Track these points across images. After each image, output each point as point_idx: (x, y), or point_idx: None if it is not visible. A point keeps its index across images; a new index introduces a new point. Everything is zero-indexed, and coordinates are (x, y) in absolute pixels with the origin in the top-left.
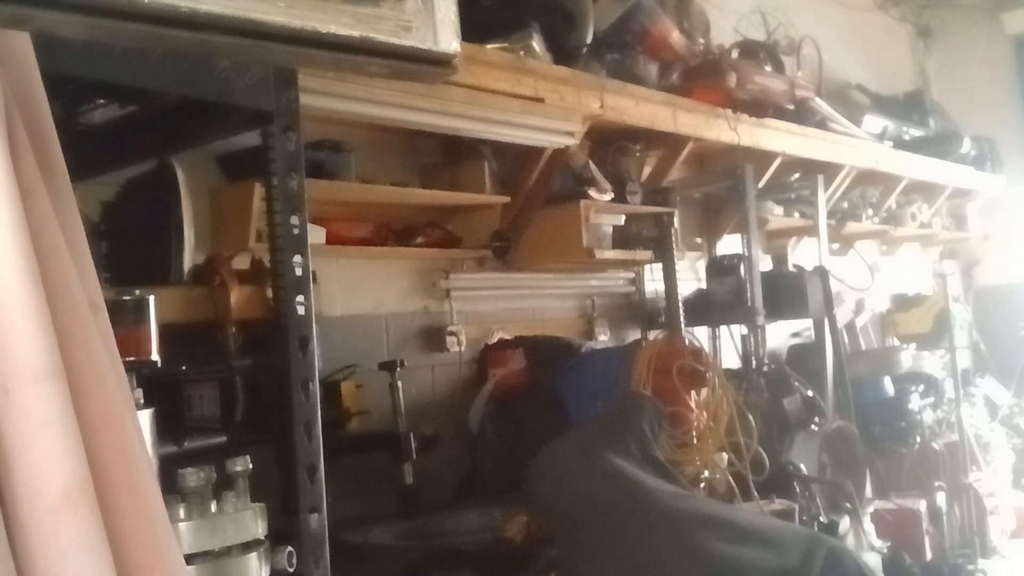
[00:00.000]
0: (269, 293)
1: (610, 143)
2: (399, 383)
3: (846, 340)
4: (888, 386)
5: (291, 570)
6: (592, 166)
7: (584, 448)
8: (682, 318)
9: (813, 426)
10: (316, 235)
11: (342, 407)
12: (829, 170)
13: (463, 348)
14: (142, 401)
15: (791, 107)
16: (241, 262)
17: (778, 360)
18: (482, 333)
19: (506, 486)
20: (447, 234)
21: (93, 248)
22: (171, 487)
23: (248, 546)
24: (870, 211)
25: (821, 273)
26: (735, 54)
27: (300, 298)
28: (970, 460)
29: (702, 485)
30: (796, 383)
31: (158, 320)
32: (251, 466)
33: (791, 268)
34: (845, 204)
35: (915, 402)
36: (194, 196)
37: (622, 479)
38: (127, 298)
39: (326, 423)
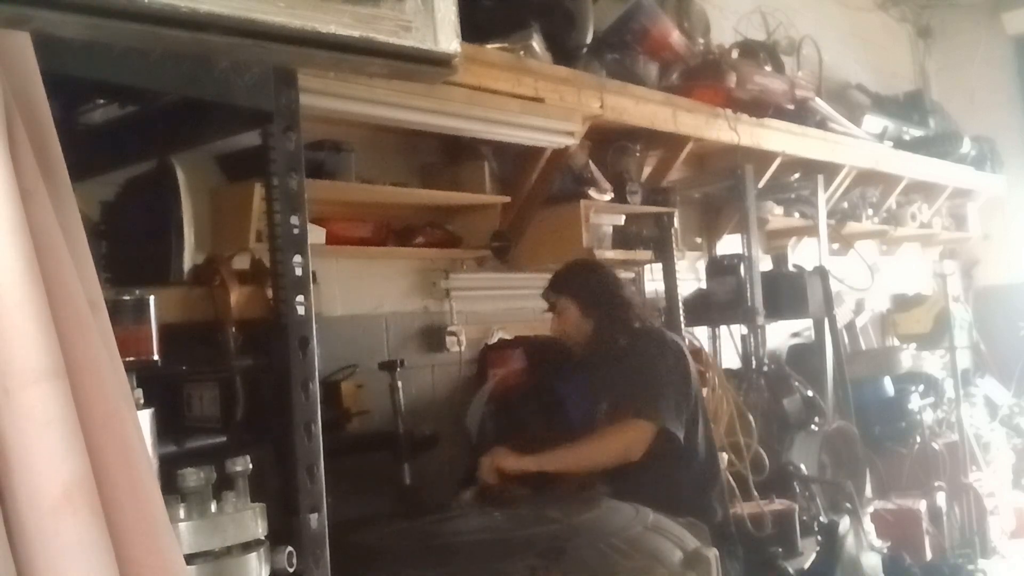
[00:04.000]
0: (269, 293)
1: (610, 143)
2: (399, 383)
3: (846, 340)
4: (888, 386)
5: (291, 570)
6: (592, 166)
7: None
8: (682, 318)
9: (813, 426)
10: (316, 235)
11: (342, 407)
12: (829, 170)
13: (463, 348)
14: (142, 401)
15: (791, 107)
16: (241, 262)
17: (778, 360)
18: (482, 333)
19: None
20: (447, 234)
21: (93, 248)
22: (171, 487)
23: (248, 546)
24: (870, 211)
25: (821, 273)
26: (735, 54)
27: (300, 298)
28: (970, 460)
29: None
30: (796, 383)
31: (158, 320)
32: (251, 466)
33: (791, 268)
34: (845, 204)
35: (915, 402)
36: (194, 196)
37: None
38: (127, 298)
39: (326, 423)
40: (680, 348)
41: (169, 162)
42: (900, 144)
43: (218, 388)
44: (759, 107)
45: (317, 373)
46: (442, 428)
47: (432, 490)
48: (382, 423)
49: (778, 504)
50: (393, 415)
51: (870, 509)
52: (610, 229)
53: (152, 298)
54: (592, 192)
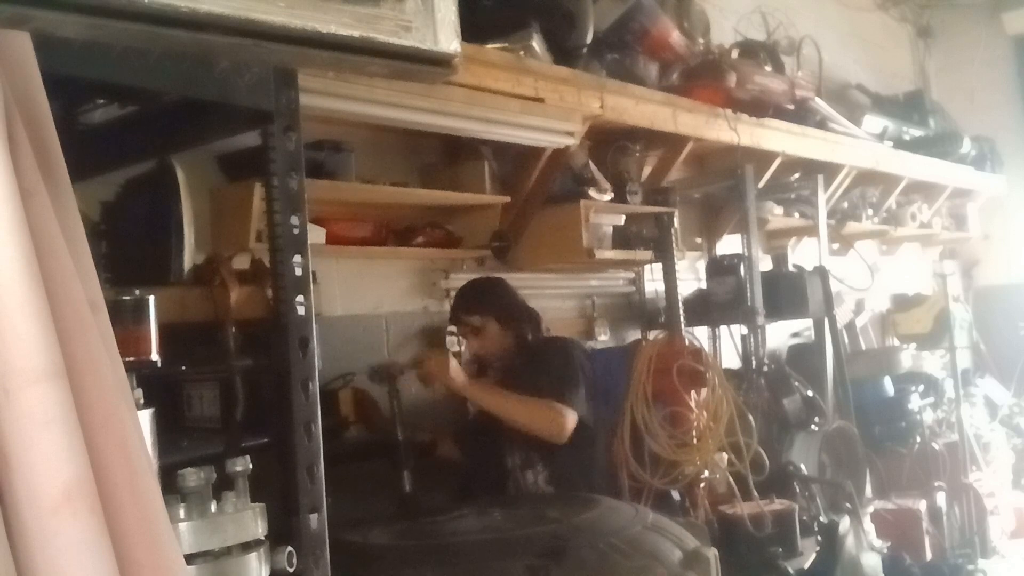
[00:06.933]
0: (269, 293)
1: (610, 143)
2: (398, 389)
3: (846, 340)
4: (888, 386)
5: (291, 570)
6: (592, 166)
7: None
8: (682, 318)
9: (813, 426)
10: (316, 235)
11: (340, 415)
12: (829, 170)
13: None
14: (142, 401)
15: (791, 107)
16: (241, 262)
17: (778, 360)
18: None
19: (504, 486)
20: (447, 234)
21: (93, 248)
22: (171, 487)
23: (248, 546)
24: (870, 211)
25: (821, 273)
26: (735, 54)
27: (300, 298)
28: (970, 460)
29: (702, 485)
30: (796, 383)
31: (158, 320)
32: (251, 466)
33: (791, 268)
34: (845, 204)
35: (915, 402)
36: (194, 196)
37: None
38: (127, 298)
39: (325, 431)
40: (584, 349)
41: (169, 162)
42: (900, 144)
43: (218, 388)
44: (759, 107)
45: (317, 373)
46: (441, 432)
47: (431, 493)
48: (381, 429)
49: (778, 504)
50: (393, 421)
51: (870, 509)
52: (610, 229)
53: (152, 298)
54: (592, 192)
